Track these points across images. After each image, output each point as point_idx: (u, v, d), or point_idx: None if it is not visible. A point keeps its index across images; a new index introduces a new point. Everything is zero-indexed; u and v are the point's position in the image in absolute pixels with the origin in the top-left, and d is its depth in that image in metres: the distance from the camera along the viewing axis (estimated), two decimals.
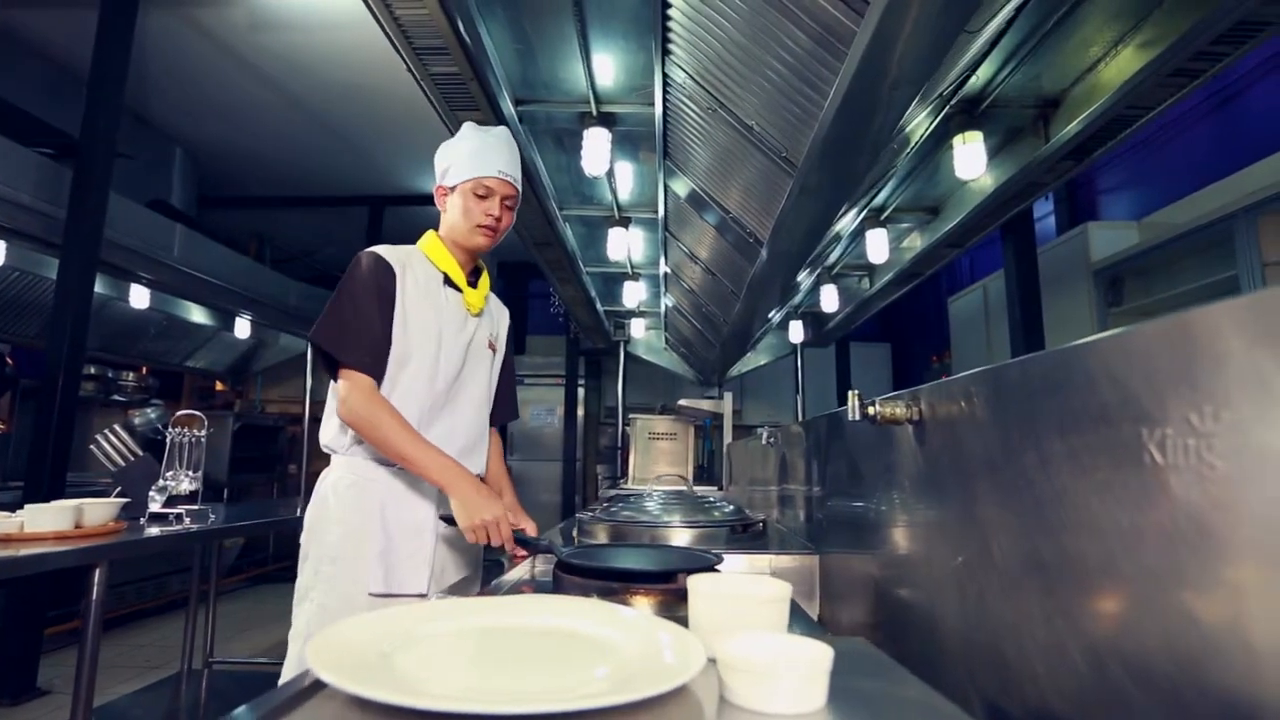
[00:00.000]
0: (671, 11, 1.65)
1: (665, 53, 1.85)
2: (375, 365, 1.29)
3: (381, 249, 1.36)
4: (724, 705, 0.54)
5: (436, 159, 1.46)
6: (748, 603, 0.68)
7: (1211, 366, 0.46)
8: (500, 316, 1.57)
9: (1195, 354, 0.48)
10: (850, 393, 1.02)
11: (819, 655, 0.54)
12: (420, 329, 1.34)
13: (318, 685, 0.53)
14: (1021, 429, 0.70)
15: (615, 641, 0.63)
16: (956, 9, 1.10)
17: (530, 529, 1.31)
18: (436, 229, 1.48)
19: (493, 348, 1.50)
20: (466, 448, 1.41)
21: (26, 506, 1.82)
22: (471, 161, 1.39)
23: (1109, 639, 0.56)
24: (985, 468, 0.78)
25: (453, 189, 1.41)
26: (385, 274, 1.33)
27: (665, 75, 1.97)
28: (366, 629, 0.60)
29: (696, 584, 0.70)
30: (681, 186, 2.70)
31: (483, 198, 1.39)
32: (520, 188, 1.45)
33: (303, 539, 1.33)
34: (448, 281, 1.41)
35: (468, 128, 1.46)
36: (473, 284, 1.45)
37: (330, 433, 1.35)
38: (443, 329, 1.37)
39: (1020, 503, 0.70)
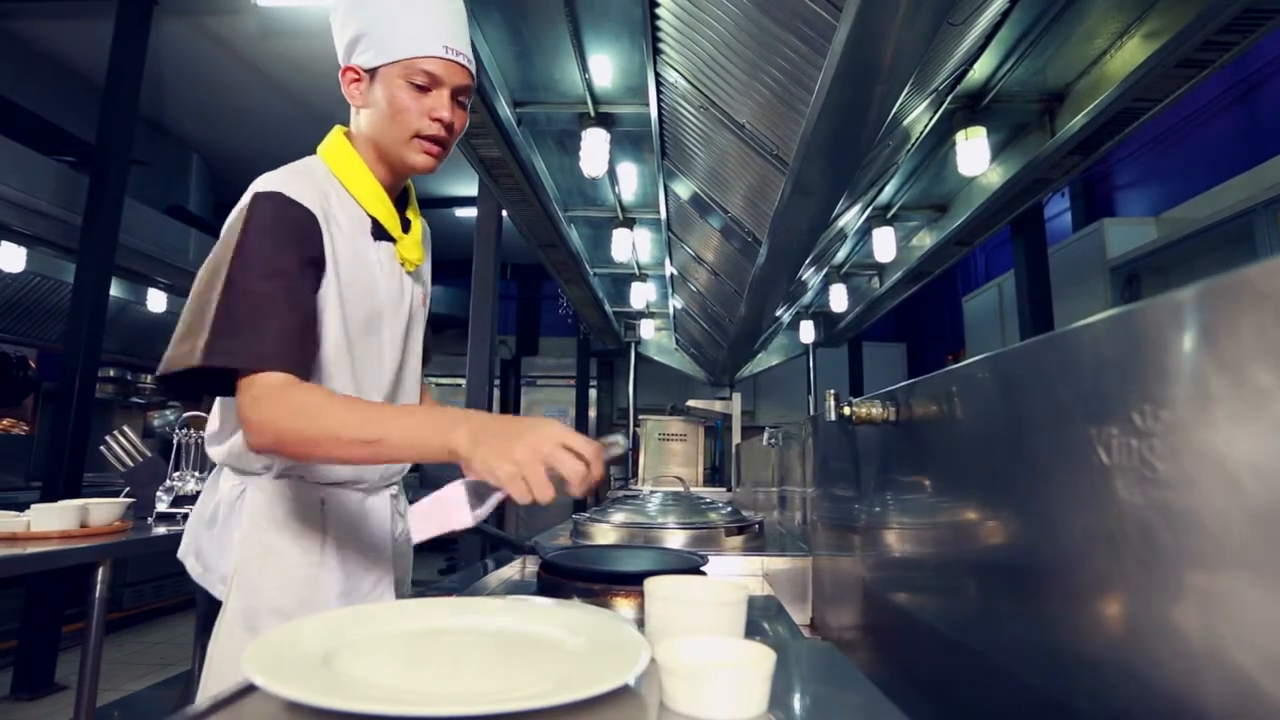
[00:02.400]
0: (660, 11, 1.65)
1: (656, 52, 1.85)
2: (302, 360, 0.84)
3: (287, 185, 0.88)
4: (663, 711, 0.53)
5: (336, 20, 0.95)
6: (700, 606, 0.67)
7: (1152, 364, 0.45)
8: (428, 265, 1.11)
9: (1137, 351, 0.46)
10: (827, 392, 1.01)
11: (757, 659, 0.53)
12: (358, 310, 0.93)
13: (252, 688, 0.53)
14: (988, 429, 0.69)
15: (561, 642, 0.62)
16: (937, 1, 1.09)
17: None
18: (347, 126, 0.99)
19: (425, 303, 1.09)
20: None
21: (33, 506, 1.85)
22: (402, 29, 0.90)
23: (1063, 641, 0.55)
24: (956, 469, 0.77)
25: (372, 74, 0.92)
26: (308, 227, 0.86)
27: (658, 75, 1.96)
28: (307, 632, 0.60)
29: (652, 587, 0.70)
30: (682, 187, 2.70)
31: (424, 90, 0.91)
32: (475, 72, 0.97)
33: (220, 588, 0.94)
34: (378, 230, 0.96)
35: None
36: (404, 222, 1.01)
37: (237, 448, 0.93)
38: (383, 305, 0.97)
39: (987, 505, 0.69)
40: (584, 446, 0.72)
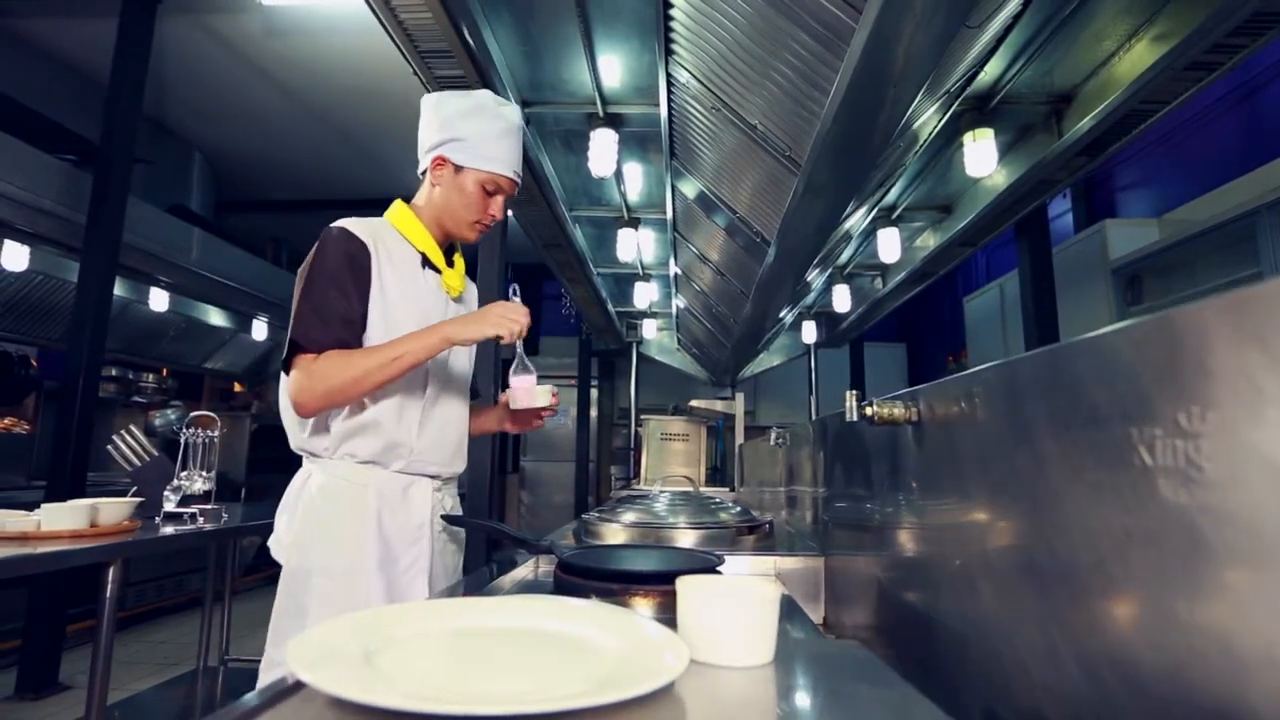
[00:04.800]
0: (673, 12, 1.65)
1: (668, 53, 1.85)
2: (345, 345, 1.14)
3: (350, 223, 1.20)
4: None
5: (437, 118, 1.26)
6: (736, 605, 0.67)
7: (1198, 365, 0.45)
8: (472, 295, 1.43)
9: (1182, 353, 0.47)
10: (848, 393, 1.01)
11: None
12: (405, 319, 1.20)
13: (298, 685, 0.53)
14: (1015, 430, 0.69)
15: (598, 643, 0.63)
16: (955, 4, 1.09)
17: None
18: (407, 199, 1.31)
19: None
20: (458, 448, 1.33)
21: (43, 506, 1.85)
22: (496, 150, 1.25)
23: (1099, 644, 0.55)
24: (981, 469, 0.77)
25: (459, 169, 1.25)
26: (359, 250, 1.17)
27: (669, 76, 1.97)
28: (348, 629, 0.60)
29: (684, 586, 0.70)
30: (689, 187, 2.70)
31: (491, 194, 1.27)
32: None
33: (284, 554, 1.18)
34: (425, 262, 1.27)
35: (488, 99, 1.28)
36: (449, 263, 1.33)
37: (304, 434, 1.20)
38: (428, 318, 1.23)
39: (1015, 505, 0.69)
40: (520, 311, 1.16)
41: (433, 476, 1.26)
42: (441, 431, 1.27)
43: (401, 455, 1.21)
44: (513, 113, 1.29)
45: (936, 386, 0.88)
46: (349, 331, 1.14)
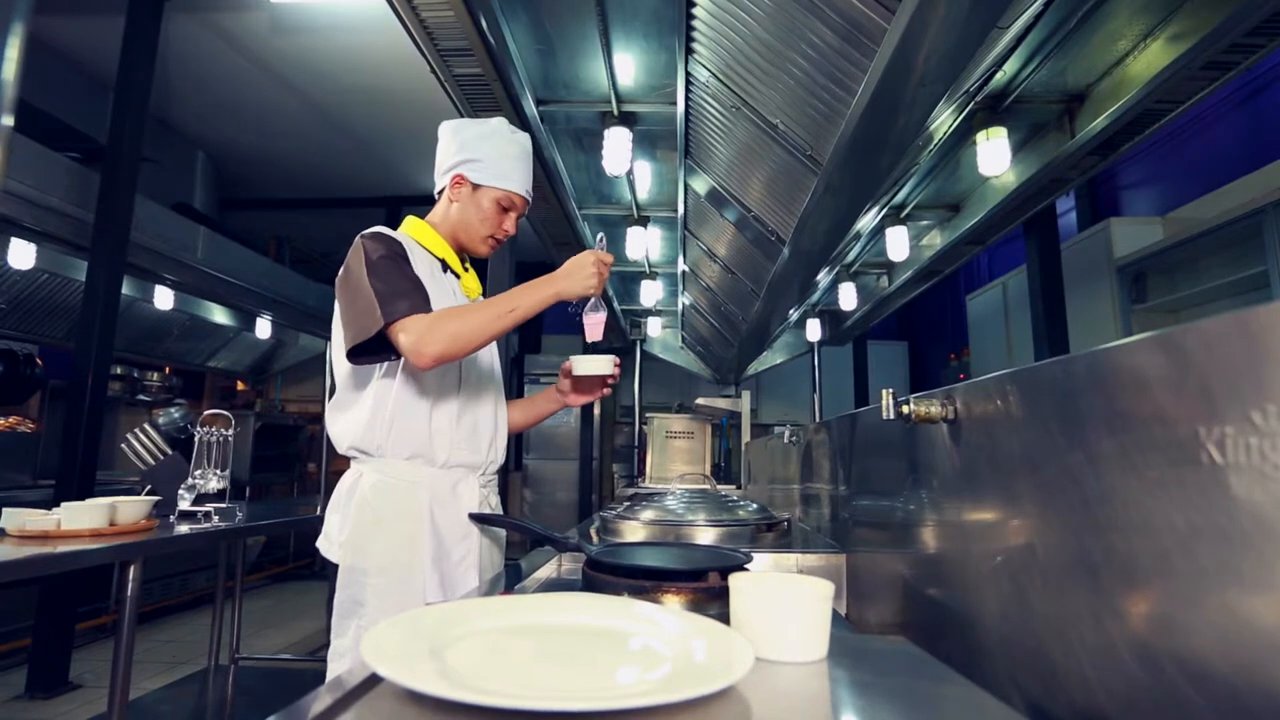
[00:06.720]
0: (695, 10, 1.65)
1: (688, 51, 1.85)
2: (429, 310, 1.19)
3: (380, 229, 1.28)
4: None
5: (456, 141, 1.34)
6: (792, 601, 0.68)
7: (1276, 364, 0.45)
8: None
9: (1258, 351, 0.47)
10: (884, 391, 1.01)
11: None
12: None
13: (372, 680, 0.53)
14: (1066, 428, 0.69)
15: (662, 640, 0.63)
16: (989, 4, 1.09)
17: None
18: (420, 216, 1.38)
19: None
20: (493, 439, 1.37)
21: (62, 505, 1.85)
22: (511, 170, 1.33)
23: (1164, 640, 0.55)
24: (1026, 467, 0.77)
25: (476, 187, 1.33)
26: (398, 246, 1.25)
27: (688, 74, 1.97)
28: (415, 626, 0.60)
29: (739, 582, 0.70)
30: (702, 185, 2.70)
31: (506, 210, 1.34)
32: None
33: (338, 553, 1.22)
34: (445, 267, 1.34)
35: (503, 126, 1.37)
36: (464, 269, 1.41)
37: (356, 433, 1.23)
38: None
39: (1066, 502, 0.69)
40: (602, 259, 1.21)
41: (474, 468, 1.32)
42: (478, 422, 1.32)
43: (442, 447, 1.25)
44: (525, 139, 1.39)
45: (975, 384, 0.88)
46: (423, 298, 1.17)
